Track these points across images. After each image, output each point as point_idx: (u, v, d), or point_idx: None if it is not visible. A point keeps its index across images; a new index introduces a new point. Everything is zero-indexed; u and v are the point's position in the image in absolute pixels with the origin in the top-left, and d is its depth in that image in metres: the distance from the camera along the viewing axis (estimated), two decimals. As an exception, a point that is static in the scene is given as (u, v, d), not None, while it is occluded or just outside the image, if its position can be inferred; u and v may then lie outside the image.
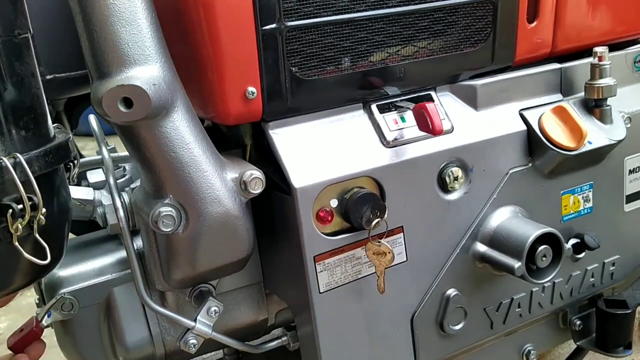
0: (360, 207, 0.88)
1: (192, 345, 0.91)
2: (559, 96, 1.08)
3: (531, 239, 0.95)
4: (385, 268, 0.90)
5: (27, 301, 2.46)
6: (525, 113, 1.03)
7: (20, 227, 0.68)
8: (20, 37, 0.74)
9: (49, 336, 0.95)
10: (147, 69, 0.75)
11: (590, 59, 1.04)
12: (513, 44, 1.03)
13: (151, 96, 0.74)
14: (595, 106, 1.05)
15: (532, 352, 1.18)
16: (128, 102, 0.73)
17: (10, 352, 0.89)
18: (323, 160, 0.89)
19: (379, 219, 0.88)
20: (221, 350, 1.31)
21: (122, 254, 1.01)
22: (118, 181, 0.99)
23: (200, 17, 0.81)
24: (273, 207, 0.94)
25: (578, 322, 1.20)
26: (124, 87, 0.73)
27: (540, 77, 1.06)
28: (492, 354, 1.14)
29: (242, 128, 0.94)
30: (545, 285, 1.10)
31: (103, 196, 1.00)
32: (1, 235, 0.69)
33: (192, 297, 0.97)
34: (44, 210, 0.70)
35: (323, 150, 0.90)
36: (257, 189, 0.86)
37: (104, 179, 1.05)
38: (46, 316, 0.93)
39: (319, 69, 0.89)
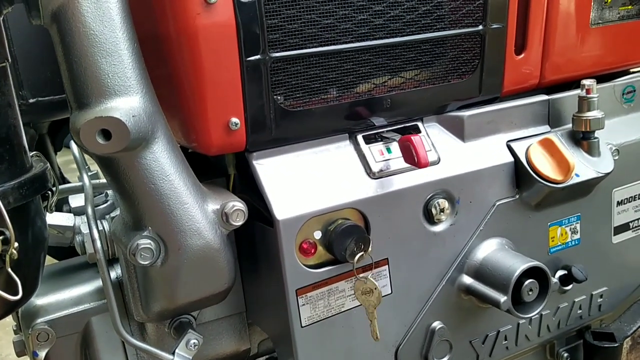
0: (344, 239, 0.87)
1: (170, 380, 0.89)
2: (546, 128, 1.07)
3: (517, 273, 0.93)
4: (375, 308, 0.88)
5: (11, 319, 2.43)
6: (512, 144, 1.02)
7: (-10, 262, 0.66)
8: (-3, 66, 0.73)
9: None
10: (127, 100, 0.74)
11: (578, 91, 1.04)
12: (501, 75, 1.03)
13: (130, 128, 0.72)
14: (582, 138, 1.05)
15: (518, 384, 1.16)
16: (106, 134, 0.72)
17: None
18: (307, 191, 0.88)
19: (363, 252, 0.87)
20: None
21: (101, 282, 0.99)
22: (99, 207, 0.98)
23: (183, 47, 0.80)
24: (255, 237, 0.93)
25: (565, 355, 1.19)
26: (103, 118, 0.71)
27: (527, 109, 1.05)
28: (478, 386, 1.12)
29: (226, 157, 0.92)
30: (532, 318, 1.09)
31: (82, 223, 0.98)
32: (-29, 270, 0.67)
33: (171, 329, 0.95)
34: (16, 244, 0.68)
35: (307, 181, 0.89)
36: (238, 221, 0.84)
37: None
38: (34, 357, 0.91)
39: (304, 100, 0.88)
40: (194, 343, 0.91)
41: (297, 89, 0.86)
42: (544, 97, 1.07)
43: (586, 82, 1.01)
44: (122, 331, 0.86)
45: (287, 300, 0.87)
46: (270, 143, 0.88)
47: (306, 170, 0.90)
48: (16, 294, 0.70)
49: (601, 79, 1.11)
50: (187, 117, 0.85)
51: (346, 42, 0.87)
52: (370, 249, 0.88)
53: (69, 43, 0.72)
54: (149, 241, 0.79)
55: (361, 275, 0.88)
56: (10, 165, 0.72)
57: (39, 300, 0.96)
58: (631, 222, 1.17)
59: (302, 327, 0.89)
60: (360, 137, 0.94)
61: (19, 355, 1.05)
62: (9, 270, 0.69)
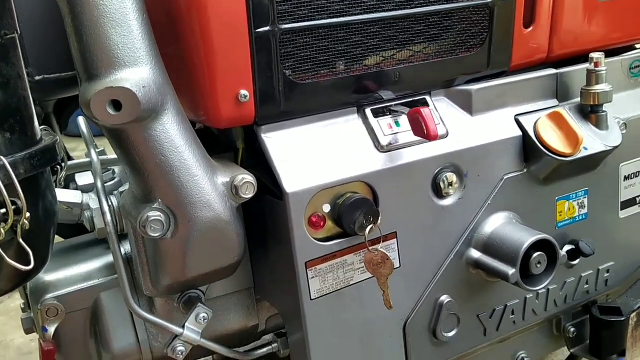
0: (353, 212, 0.87)
1: (179, 353, 0.90)
2: (554, 102, 1.07)
3: (526, 245, 0.93)
4: (387, 278, 0.88)
5: (15, 304, 2.44)
6: (520, 118, 1.02)
7: (3, 231, 0.67)
8: (6, 37, 0.72)
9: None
10: (137, 71, 0.73)
11: (586, 65, 1.03)
12: (509, 49, 1.02)
13: (140, 99, 0.72)
14: (591, 112, 1.04)
15: (525, 359, 1.17)
16: (117, 105, 0.72)
17: None
18: (316, 164, 0.88)
19: (372, 225, 0.87)
20: (210, 356, 1.29)
21: (110, 258, 0.99)
22: (106, 184, 0.98)
23: (193, 19, 0.79)
24: (264, 211, 0.93)
25: (572, 329, 1.19)
26: (113, 89, 0.71)
27: (536, 83, 1.05)
28: (485, 361, 1.13)
29: (235, 131, 0.92)
30: (540, 292, 1.09)
31: (91, 200, 0.98)
32: (-16, 240, 0.67)
33: (180, 303, 0.95)
34: (28, 214, 0.69)
35: (316, 154, 0.89)
36: (248, 194, 0.84)
37: (92, 182, 1.03)
38: (44, 332, 0.91)
39: (313, 72, 0.87)
40: (204, 317, 0.91)
41: (306, 62, 0.86)
42: (553, 71, 1.06)
43: (595, 55, 1.01)
44: (133, 304, 0.87)
45: (296, 273, 0.87)
46: (279, 116, 0.88)
47: (315, 143, 0.90)
48: (28, 264, 0.70)
49: (608, 54, 1.10)
50: (197, 91, 0.85)
51: (355, 14, 0.87)
52: (379, 222, 0.88)
53: (78, 14, 0.72)
54: (159, 213, 0.79)
55: (372, 247, 0.88)
56: (21, 136, 0.72)
57: (48, 276, 0.96)
58: (638, 197, 1.17)
59: (311, 300, 0.89)
60: (368, 111, 0.94)
61: (27, 332, 1.06)
62: (21, 240, 0.69)
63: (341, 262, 0.90)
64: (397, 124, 0.94)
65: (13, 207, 0.67)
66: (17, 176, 0.68)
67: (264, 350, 1.03)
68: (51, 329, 0.93)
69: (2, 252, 0.67)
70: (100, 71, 0.73)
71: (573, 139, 0.99)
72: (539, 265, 0.95)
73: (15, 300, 2.44)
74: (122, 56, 0.73)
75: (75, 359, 0.98)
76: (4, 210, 0.66)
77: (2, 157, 0.67)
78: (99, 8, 0.72)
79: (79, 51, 0.73)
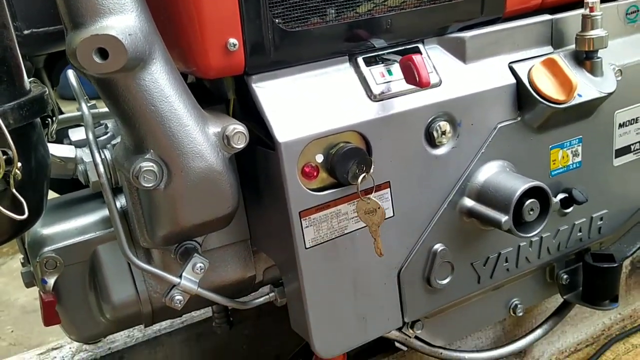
0: (346, 162, 0.87)
1: (177, 302, 0.91)
2: (549, 48, 1.05)
3: (518, 192, 0.94)
4: (379, 227, 0.89)
5: (17, 264, 2.47)
6: (514, 66, 1.01)
7: (-5, 182, 0.67)
8: (-12, -14, 0.71)
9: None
10: (122, 19, 0.72)
11: (581, 10, 1.02)
12: (503, -5, 1.00)
13: (127, 46, 0.71)
14: (586, 58, 1.03)
15: (519, 306, 1.19)
16: (103, 53, 0.71)
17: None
18: (308, 114, 0.87)
19: (364, 174, 0.87)
20: (210, 309, 1.32)
21: (106, 212, 0.99)
22: (99, 139, 0.97)
23: (178, -36, 0.78)
24: (257, 162, 0.93)
25: (565, 277, 1.21)
26: (99, 37, 0.70)
27: (530, 29, 1.04)
28: (479, 308, 1.15)
29: (225, 82, 0.91)
30: (533, 239, 1.10)
31: (84, 154, 0.98)
32: (-24, 191, 0.67)
33: (177, 255, 0.96)
34: (19, 164, 0.69)
35: (308, 104, 0.88)
36: (240, 144, 0.84)
37: (85, 137, 1.03)
38: (43, 285, 0.92)
39: (303, 20, 0.86)
40: (200, 267, 0.92)
41: (295, 9, 0.85)
42: (547, 17, 1.05)
43: (590, 0, 0.99)
44: (130, 254, 0.88)
45: (290, 222, 0.88)
46: (270, 65, 0.87)
47: (307, 93, 0.89)
48: (22, 214, 0.70)
49: (604, -1, 1.09)
50: (185, 41, 0.83)
51: (345, -42, 0.85)
52: (372, 171, 0.88)
53: (60, -41, 0.70)
54: (151, 164, 0.79)
55: (364, 196, 0.89)
56: (9, 87, 0.71)
57: (45, 230, 0.97)
58: (632, 144, 1.17)
59: (306, 248, 0.90)
60: (360, 60, 0.93)
61: (27, 286, 1.07)
62: (14, 190, 0.70)
63: (335, 211, 0.91)
64: (390, 72, 0.93)
65: (4, 157, 0.67)
66: (7, 126, 0.67)
67: (262, 299, 1.05)
68: (50, 281, 0.95)
69: (-6, 201, 0.67)
70: (85, 19, 0.71)
71: (567, 85, 0.98)
72: (531, 212, 0.96)
73: (18, 260, 2.47)
74: (107, 3, 0.72)
75: (76, 311, 1.00)
76: (-6, 161, 0.67)
77: (-10, 108, 0.67)
78: (81, -46, 0.70)
79: (63, 0, 0.72)
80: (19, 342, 2.13)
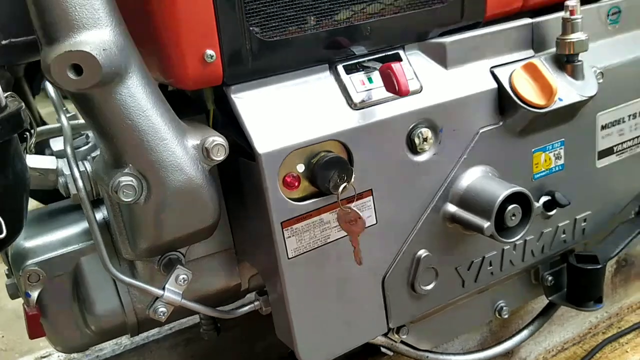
0: (327, 171, 0.86)
1: (161, 314, 0.91)
2: (530, 52, 1.05)
3: (500, 198, 0.94)
4: (359, 235, 0.89)
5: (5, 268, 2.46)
6: (495, 71, 1.01)
7: (-30, 201, 0.66)
8: (-40, 1, 0.70)
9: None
10: (97, 34, 0.72)
11: (562, 13, 1.02)
12: (483, -1, 1.00)
13: (101, 62, 0.70)
14: (566, 62, 1.03)
15: (504, 308, 1.20)
16: (78, 69, 0.70)
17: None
18: (288, 124, 0.87)
19: (345, 183, 0.87)
20: (198, 315, 1.32)
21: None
22: (80, 149, 0.97)
23: (153, -23, 0.77)
24: (239, 173, 0.93)
25: (550, 278, 1.22)
26: (72, 53, 0.70)
27: (511, 33, 1.03)
28: (465, 311, 1.15)
29: (204, 92, 0.91)
30: (517, 243, 1.11)
31: (65, 165, 0.97)
32: (-49, 210, 0.67)
33: (161, 266, 0.96)
34: (-5, 183, 0.68)
35: (288, 113, 0.88)
36: (220, 156, 0.84)
37: (66, 147, 1.02)
38: (27, 297, 0.92)
39: (281, 29, 0.86)
40: (183, 278, 0.92)
41: (273, 18, 0.84)
42: (528, 20, 1.05)
43: (570, 2, 0.99)
44: (112, 269, 0.87)
45: (273, 233, 0.88)
46: (248, 75, 0.87)
47: (286, 102, 0.89)
48: (0, 232, 0.70)
49: (585, 1, 1.09)
50: (162, 52, 0.83)
51: (322, -33, 0.84)
52: (353, 179, 0.88)
53: (32, -25, 0.69)
54: (130, 178, 0.79)
55: (345, 205, 0.89)
56: (-18, 105, 0.70)
57: (28, 242, 0.97)
58: (615, 146, 1.18)
59: (288, 259, 0.90)
60: (340, 67, 0.92)
61: (12, 297, 1.06)
62: (-10, 209, 0.69)
63: (317, 220, 0.91)
64: (370, 80, 0.93)
65: (-22, 176, 0.66)
66: (-19, 145, 0.67)
67: (246, 308, 1.05)
68: (34, 294, 0.94)
69: (-30, 221, 0.67)
70: (59, 34, 0.71)
71: (547, 90, 0.98)
72: (513, 218, 0.96)
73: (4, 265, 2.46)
74: (81, 18, 0.71)
75: (60, 323, 1.00)
76: (-31, 180, 0.66)
77: (-37, 127, 0.66)
78: (53, -33, 0.69)
79: (36, 14, 0.71)
80: (10, 348, 2.12)
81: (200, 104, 0.96)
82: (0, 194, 0.70)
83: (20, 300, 1.04)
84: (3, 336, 2.19)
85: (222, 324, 1.31)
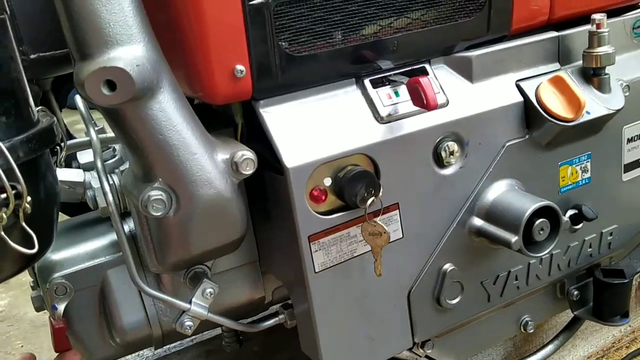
0: (354, 185, 0.86)
1: (187, 327, 0.91)
2: (556, 65, 1.05)
3: (528, 212, 0.93)
4: (381, 249, 0.89)
5: (27, 277, 2.47)
6: (522, 84, 1.00)
7: (4, 216, 0.67)
8: (-4, 19, 0.71)
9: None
10: (130, 50, 0.72)
11: (588, 26, 1.01)
12: (509, 12, 1.00)
13: (135, 78, 0.71)
14: (593, 75, 1.03)
15: (529, 322, 1.18)
16: (111, 85, 0.71)
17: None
18: (315, 138, 0.87)
19: (373, 197, 0.87)
20: (220, 327, 1.32)
21: (115, 235, 0.99)
22: (108, 162, 0.98)
23: (184, -7, 0.78)
24: (266, 186, 0.93)
25: (575, 292, 1.20)
26: (106, 69, 0.70)
27: (537, 46, 1.03)
28: (490, 325, 1.14)
29: (233, 107, 0.91)
30: (543, 257, 1.10)
31: (93, 178, 0.98)
32: (-14, 225, 0.67)
33: (187, 279, 0.96)
34: (29, 198, 0.69)
35: (315, 127, 0.88)
36: (248, 170, 0.84)
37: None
38: (54, 310, 0.92)
39: (309, 44, 0.86)
40: (210, 292, 0.92)
41: (301, 33, 0.85)
42: (554, 33, 1.04)
43: (596, 16, 0.99)
44: (139, 281, 0.88)
45: (300, 247, 0.88)
46: (277, 90, 0.87)
47: (314, 116, 0.89)
48: (32, 247, 0.70)
49: (611, 13, 1.08)
50: (192, 67, 0.84)
51: (350, -18, 0.85)
52: (380, 194, 0.88)
53: (67, -8, 0.70)
54: (160, 192, 0.79)
55: (372, 219, 0.88)
56: (17, 120, 0.71)
57: (55, 255, 0.97)
58: (641, 159, 1.17)
59: (315, 272, 0.90)
60: (367, 81, 0.93)
61: (37, 310, 1.07)
62: (24, 224, 0.70)
63: (344, 234, 0.91)
64: (397, 93, 0.93)
65: (13, 191, 0.67)
66: (16, 160, 0.67)
67: (271, 321, 1.04)
68: (60, 307, 0.95)
69: (5, 236, 0.67)
70: (93, 50, 0.71)
71: (575, 103, 0.97)
72: (541, 232, 0.95)
73: (27, 273, 2.48)
74: (114, 34, 0.72)
75: (87, 335, 1.00)
76: (4, 195, 0.66)
77: (-1, 142, 0.67)
78: (88, -15, 0.70)
79: (70, 30, 0.72)
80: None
81: (226, 118, 0.97)
82: (32, 209, 0.71)
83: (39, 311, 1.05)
84: (22, 346, 2.21)
85: (243, 336, 1.31)
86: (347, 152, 0.88)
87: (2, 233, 0.67)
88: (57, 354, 0.94)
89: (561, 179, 1.08)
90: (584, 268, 1.19)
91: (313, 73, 0.88)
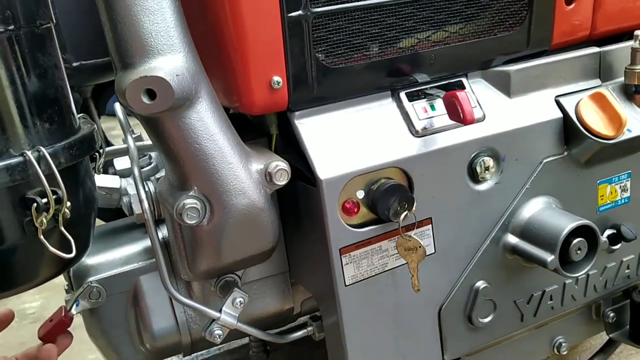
0: (387, 199, 0.86)
1: (217, 336, 0.91)
2: (597, 82, 1.03)
3: (565, 231, 0.91)
4: (418, 264, 0.88)
5: (60, 279, 2.52)
6: (561, 100, 0.99)
7: (45, 220, 0.68)
8: (42, 27, 0.73)
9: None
10: (170, 59, 0.73)
11: (630, 42, 0.99)
12: (550, 27, 0.99)
13: (174, 87, 0.72)
14: (635, 92, 1.00)
15: (563, 344, 1.15)
16: (151, 94, 0.72)
17: (40, 342, 0.90)
18: (350, 150, 0.87)
19: (407, 212, 0.86)
20: (247, 337, 1.32)
21: (148, 242, 1.00)
22: (144, 170, 0.99)
23: (225, 5, 0.79)
24: (298, 197, 0.93)
25: (611, 314, 1.17)
26: (147, 78, 0.71)
27: (577, 62, 1.01)
28: (522, 346, 1.11)
29: (268, 117, 0.92)
30: (579, 277, 1.07)
31: (129, 185, 1.00)
32: (26, 229, 0.69)
33: (217, 287, 0.97)
34: (68, 203, 0.70)
35: (350, 140, 0.88)
36: (282, 181, 0.84)
37: (130, 166, 1.05)
38: (74, 305, 0.93)
39: (346, 56, 0.86)
40: (240, 301, 0.92)
41: (338, 46, 0.85)
42: (595, 49, 1.02)
43: (639, 32, 0.97)
44: (171, 289, 0.88)
45: (330, 259, 0.87)
46: (312, 102, 0.87)
47: (348, 129, 0.89)
48: (70, 252, 0.72)
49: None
50: (229, 77, 0.84)
51: (389, -5, 0.85)
52: (414, 208, 0.87)
53: (111, 2, 0.72)
54: (195, 201, 0.80)
55: (405, 234, 0.88)
56: (60, 126, 0.73)
57: (90, 259, 0.99)
58: (684, 179, 1.13)
59: (346, 285, 0.89)
60: (403, 95, 0.92)
61: (72, 313, 1.09)
62: (62, 229, 0.71)
63: (375, 248, 0.90)
64: (432, 107, 0.92)
65: (54, 196, 0.68)
66: (57, 166, 0.69)
67: (299, 333, 1.04)
68: (82, 306, 0.95)
69: (45, 240, 0.68)
70: (135, 60, 0.73)
71: (616, 120, 0.95)
72: (579, 252, 0.93)
73: (62, 276, 2.53)
74: (156, 44, 0.73)
75: (117, 340, 1.01)
76: (45, 200, 0.68)
77: (41, 148, 0.68)
78: (132, -4, 0.72)
79: (113, 40, 0.74)
80: (59, 359, 2.16)
81: (260, 128, 0.98)
82: (71, 213, 0.72)
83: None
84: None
85: (270, 346, 1.31)
86: (381, 165, 0.87)
87: (42, 237, 0.68)
88: (37, 344, 0.91)
89: (600, 198, 1.05)
90: (621, 290, 1.16)
91: (348, 85, 0.88)
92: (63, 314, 0.91)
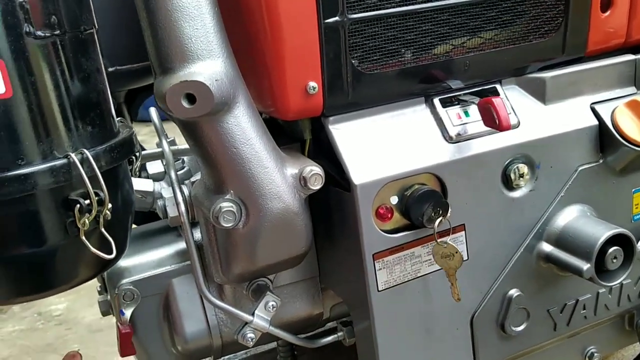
0: (421, 204, 0.86)
1: (249, 339, 0.92)
2: (633, 89, 1.02)
3: (601, 240, 0.90)
4: (456, 271, 0.87)
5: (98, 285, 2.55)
6: (597, 107, 0.98)
7: (87, 222, 0.69)
8: (85, 32, 0.75)
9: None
10: (210, 65, 0.75)
11: (668, 50, 0.98)
12: (585, 34, 0.98)
13: (214, 92, 0.73)
14: (672, 99, 0.99)
15: (595, 354, 1.13)
16: (191, 98, 0.73)
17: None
18: (384, 156, 0.87)
19: (441, 218, 0.85)
20: (275, 342, 1.32)
21: (181, 245, 1.02)
22: (178, 173, 1.00)
23: (263, 11, 0.80)
24: (331, 202, 0.93)
25: (646, 325, 1.15)
26: (187, 83, 0.73)
27: (613, 69, 1.00)
28: (553, 355, 1.10)
29: (301, 123, 0.92)
30: (613, 286, 1.05)
31: (163, 188, 1.01)
32: (69, 230, 0.70)
33: (249, 291, 0.97)
34: (110, 205, 0.71)
35: (384, 145, 0.88)
36: (316, 185, 0.84)
37: (162, 170, 1.06)
38: (121, 315, 0.95)
39: (380, 62, 0.86)
40: (273, 305, 0.93)
41: (374, 52, 0.85)
42: (631, 56, 1.01)
43: (678, 39, 0.95)
44: (206, 291, 0.89)
45: (364, 264, 0.87)
46: (347, 107, 0.88)
47: (382, 134, 0.89)
48: (110, 253, 0.73)
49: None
50: (265, 82, 0.85)
51: (424, 2, 0.85)
52: (448, 214, 0.86)
53: (153, 8, 0.73)
54: (231, 204, 0.81)
55: (440, 239, 0.87)
56: (101, 130, 0.74)
57: (124, 262, 1.00)
58: None
59: (378, 291, 0.89)
60: (437, 101, 0.92)
61: (104, 314, 1.11)
62: (103, 230, 0.72)
63: (409, 254, 0.90)
64: (467, 113, 0.92)
65: (96, 198, 0.70)
66: (99, 168, 0.70)
67: (330, 338, 1.04)
68: (127, 313, 0.97)
69: (86, 241, 0.70)
70: (174, 64, 0.74)
71: (653, 128, 0.94)
72: (614, 261, 0.92)
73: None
74: (196, 49, 0.74)
75: (150, 341, 1.02)
76: (87, 202, 0.69)
77: (85, 150, 0.70)
78: (173, 2, 0.73)
79: (153, 45, 0.75)
80: (85, 360, 2.19)
81: (293, 133, 0.98)
82: (111, 216, 0.73)
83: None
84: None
85: (298, 351, 1.31)
86: (414, 170, 0.87)
87: (83, 238, 0.70)
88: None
89: (635, 206, 1.04)
90: (656, 300, 1.14)
91: (383, 91, 0.89)
92: (121, 329, 0.93)
